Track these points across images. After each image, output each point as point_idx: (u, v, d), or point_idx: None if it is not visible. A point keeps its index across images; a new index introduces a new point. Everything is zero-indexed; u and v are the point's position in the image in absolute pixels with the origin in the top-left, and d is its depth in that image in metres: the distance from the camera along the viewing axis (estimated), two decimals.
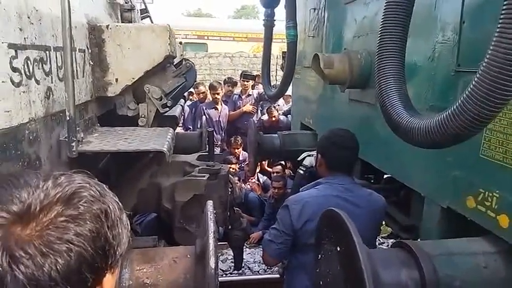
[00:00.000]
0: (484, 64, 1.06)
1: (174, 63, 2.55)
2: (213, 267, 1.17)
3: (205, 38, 18.61)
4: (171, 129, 2.01)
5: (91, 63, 1.79)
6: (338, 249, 1.55)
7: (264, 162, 5.66)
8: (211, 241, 1.22)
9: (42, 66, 1.26)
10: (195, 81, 2.48)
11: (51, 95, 1.34)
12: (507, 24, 0.99)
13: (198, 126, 6.01)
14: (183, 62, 2.33)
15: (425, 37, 2.00)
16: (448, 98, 1.84)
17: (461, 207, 1.74)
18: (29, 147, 1.18)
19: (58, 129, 1.43)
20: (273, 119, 5.96)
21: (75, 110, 1.33)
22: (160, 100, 2.01)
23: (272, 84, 4.60)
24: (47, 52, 1.31)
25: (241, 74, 6.86)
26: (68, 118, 1.33)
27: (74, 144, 1.37)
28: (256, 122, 5.13)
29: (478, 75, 1.09)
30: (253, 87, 6.80)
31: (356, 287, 1.39)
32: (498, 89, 1.02)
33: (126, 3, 2.87)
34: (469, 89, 1.13)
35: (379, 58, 1.52)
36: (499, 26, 1.02)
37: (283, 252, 1.98)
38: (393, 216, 2.54)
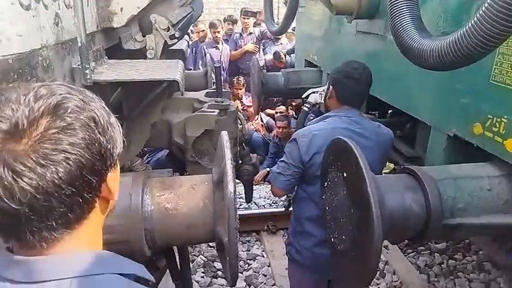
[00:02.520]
0: None
1: None
2: (232, 191, 1.20)
3: None
4: (180, 61, 1.99)
5: None
6: (344, 174, 1.59)
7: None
8: (228, 167, 1.25)
9: None
10: (202, 11, 2.39)
11: (59, 22, 1.30)
12: None
13: (200, 66, 5.92)
14: None
15: None
16: (461, 23, 1.79)
17: (468, 134, 1.77)
18: (44, 73, 1.18)
19: (69, 58, 1.41)
20: (282, 65, 5.82)
21: (87, 37, 1.31)
22: (168, 31, 1.95)
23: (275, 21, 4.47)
24: None
25: (241, 11, 6.62)
26: (79, 45, 1.30)
27: (87, 71, 1.35)
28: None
29: None
30: (254, 24, 6.59)
31: (362, 210, 1.45)
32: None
33: None
34: (483, 8, 1.10)
35: None
36: None
37: (291, 184, 2.03)
38: (398, 149, 2.59)
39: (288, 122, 5.11)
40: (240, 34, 6.41)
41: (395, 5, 1.45)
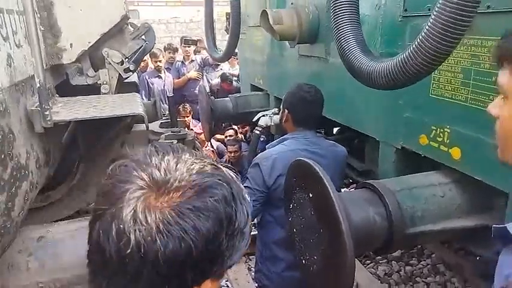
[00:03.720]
0: (439, 3, 1.13)
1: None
2: None
3: (136, 4, 17.65)
4: (137, 94, 1.94)
5: (41, 28, 1.64)
6: (310, 195, 1.62)
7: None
8: None
9: None
10: (155, 42, 2.36)
11: (12, 63, 1.23)
12: None
13: (143, 97, 5.80)
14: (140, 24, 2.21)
15: None
16: (396, 44, 1.94)
17: (415, 146, 1.89)
18: (1, 119, 1.09)
19: (23, 100, 1.32)
20: (230, 87, 5.86)
21: (44, 76, 1.24)
22: (122, 64, 1.91)
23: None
24: (1, 15, 1.18)
25: (181, 39, 6.63)
26: (38, 85, 1.22)
27: (47, 113, 1.27)
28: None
29: (434, 14, 1.15)
30: (195, 52, 6.63)
31: (331, 228, 1.48)
32: (454, 24, 1.10)
33: None
34: (425, 28, 1.20)
35: (335, 8, 1.55)
36: None
37: (257, 210, 2.02)
38: (350, 164, 2.70)
39: (238, 146, 5.12)
40: (182, 62, 6.40)
41: (342, 31, 1.53)
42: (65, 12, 1.75)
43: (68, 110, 1.49)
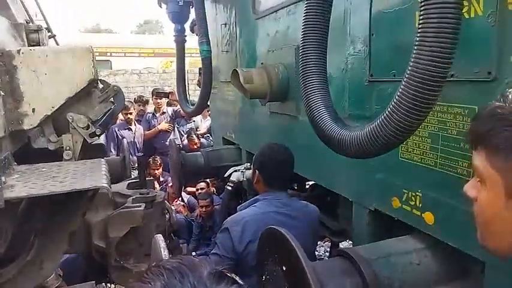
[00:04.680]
0: (407, 75, 1.13)
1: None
2: None
3: (108, 54, 17.77)
4: (102, 160, 1.83)
5: (1, 93, 1.55)
6: (284, 268, 1.53)
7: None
8: None
9: None
10: (124, 105, 2.30)
11: None
12: (425, 33, 1.07)
13: (112, 150, 5.65)
14: (110, 86, 2.15)
15: (338, 50, 2.10)
16: (364, 106, 1.96)
17: (388, 208, 1.85)
18: None
19: None
20: (195, 147, 5.82)
21: (1, 146, 1.14)
22: (88, 129, 1.82)
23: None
24: None
25: (152, 91, 6.63)
26: None
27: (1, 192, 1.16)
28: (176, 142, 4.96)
29: (402, 86, 1.15)
30: (169, 104, 6.62)
31: None
32: (422, 96, 1.09)
33: (27, 23, 2.58)
34: (395, 100, 1.20)
35: (304, 74, 1.55)
36: (418, 36, 1.09)
37: None
38: (323, 222, 2.63)
39: (210, 199, 4.99)
40: (153, 114, 6.36)
41: (311, 98, 1.52)
42: (28, 77, 1.69)
43: (24, 183, 1.38)
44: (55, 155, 1.93)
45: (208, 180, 5.57)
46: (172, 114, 6.36)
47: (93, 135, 1.83)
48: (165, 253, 1.31)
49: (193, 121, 6.82)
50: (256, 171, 2.06)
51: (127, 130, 5.90)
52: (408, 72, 1.11)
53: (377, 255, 1.61)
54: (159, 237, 1.40)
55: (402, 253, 1.64)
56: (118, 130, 5.86)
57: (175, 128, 6.37)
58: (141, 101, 6.45)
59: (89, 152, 2.12)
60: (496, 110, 0.75)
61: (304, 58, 1.53)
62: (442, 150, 1.55)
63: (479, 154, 0.78)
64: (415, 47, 1.10)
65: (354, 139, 1.30)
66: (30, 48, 1.74)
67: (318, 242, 4.91)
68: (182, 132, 6.58)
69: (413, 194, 1.69)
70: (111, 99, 1.96)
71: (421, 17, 1.09)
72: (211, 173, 4.00)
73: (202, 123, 6.89)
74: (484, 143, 0.76)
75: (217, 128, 4.51)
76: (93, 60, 1.78)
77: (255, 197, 2.07)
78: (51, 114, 1.75)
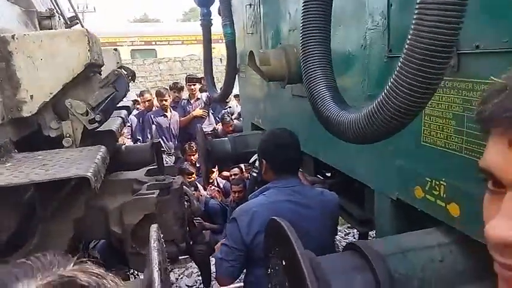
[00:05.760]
0: (405, 50, 0.96)
1: (102, 72, 2.30)
2: None
3: (154, 43, 18.18)
4: (102, 147, 1.80)
5: None
6: (284, 263, 1.42)
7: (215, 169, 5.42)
8: (155, 275, 1.08)
9: None
10: (128, 90, 2.25)
11: None
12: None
13: (148, 136, 5.76)
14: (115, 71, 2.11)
15: (356, 25, 1.91)
16: (383, 86, 1.76)
17: (410, 198, 1.67)
18: None
19: None
20: (230, 129, 5.78)
21: None
22: (87, 115, 1.80)
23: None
24: None
25: (186, 77, 6.65)
26: None
27: None
28: (206, 128, 4.95)
29: (401, 59, 0.98)
30: (201, 90, 6.61)
31: None
32: (426, 70, 0.92)
33: (49, 10, 2.60)
34: (389, 82, 1.04)
35: (304, 51, 1.41)
36: (417, 8, 0.92)
37: (236, 270, 1.84)
38: (349, 212, 2.47)
39: (243, 185, 4.95)
40: (188, 100, 6.38)
41: (311, 74, 1.38)
42: (24, 62, 1.67)
43: (11, 172, 1.37)
44: (61, 143, 1.92)
45: (242, 165, 5.53)
46: (206, 99, 6.35)
47: (92, 121, 1.79)
48: (154, 244, 1.26)
49: (229, 107, 6.78)
50: (263, 160, 1.95)
51: (162, 117, 5.97)
52: (409, 41, 0.94)
53: (393, 250, 1.45)
54: (153, 227, 1.35)
55: (423, 248, 1.47)
56: (154, 117, 5.95)
57: (210, 113, 6.36)
58: (176, 88, 6.49)
59: (99, 139, 2.10)
60: None
61: (305, 34, 1.38)
62: (468, 134, 1.35)
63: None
64: (414, 18, 0.92)
65: (353, 122, 1.14)
66: (25, 33, 1.71)
67: (350, 231, 4.74)
68: (218, 119, 6.56)
69: (437, 182, 1.50)
70: (113, 84, 1.90)
71: None
72: (239, 158, 3.92)
73: (238, 108, 6.83)
74: None
75: (246, 114, 4.41)
76: (89, 44, 1.72)
77: (266, 185, 1.97)
78: (50, 101, 1.73)
